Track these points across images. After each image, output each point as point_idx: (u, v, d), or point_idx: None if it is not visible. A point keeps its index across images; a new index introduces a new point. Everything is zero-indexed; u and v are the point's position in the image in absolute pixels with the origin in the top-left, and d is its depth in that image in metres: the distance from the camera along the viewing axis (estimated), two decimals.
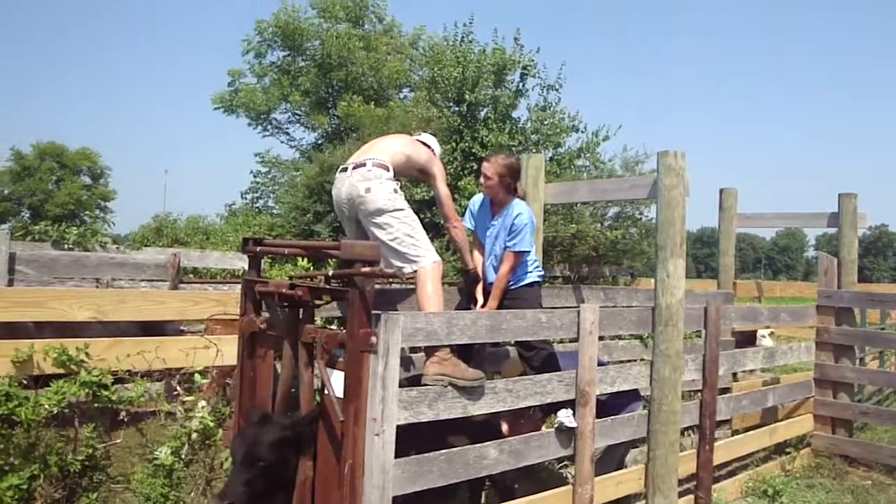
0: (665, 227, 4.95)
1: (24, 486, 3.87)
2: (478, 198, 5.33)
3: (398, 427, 3.52)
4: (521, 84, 15.26)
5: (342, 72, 22.75)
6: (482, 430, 4.46)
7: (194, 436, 4.50)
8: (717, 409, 5.53)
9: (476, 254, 5.24)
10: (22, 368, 4.08)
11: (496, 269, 5.00)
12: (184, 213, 21.51)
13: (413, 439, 3.77)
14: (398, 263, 4.34)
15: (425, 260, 4.32)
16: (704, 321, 5.47)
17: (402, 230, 4.32)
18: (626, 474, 5.11)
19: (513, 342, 5.19)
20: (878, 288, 17.26)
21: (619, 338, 6.57)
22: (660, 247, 4.99)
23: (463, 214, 5.36)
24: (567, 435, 4.51)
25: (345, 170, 4.51)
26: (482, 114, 14.78)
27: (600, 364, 4.73)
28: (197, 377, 4.69)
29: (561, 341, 5.89)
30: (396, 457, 3.51)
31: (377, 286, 4.04)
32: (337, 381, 3.49)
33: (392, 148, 4.61)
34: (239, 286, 4.45)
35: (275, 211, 21.30)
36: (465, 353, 4.55)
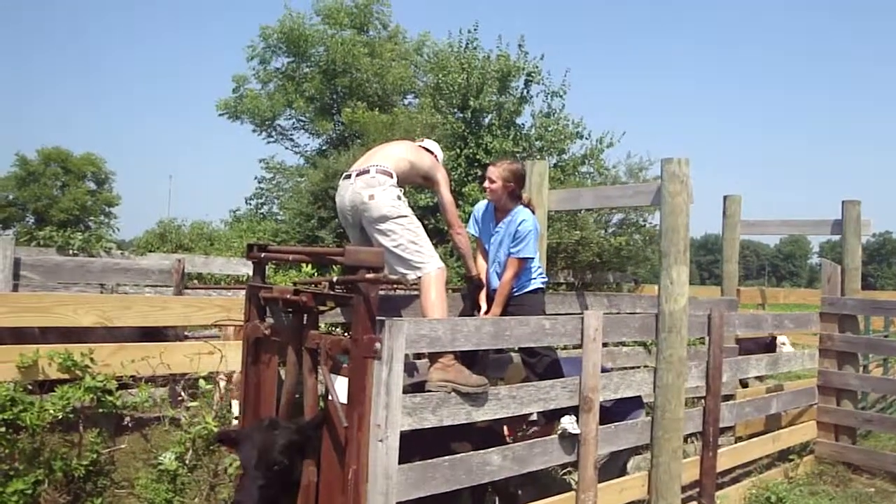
0: (669, 234, 4.96)
1: (29, 491, 3.88)
2: (482, 204, 5.33)
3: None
4: (525, 90, 15.26)
5: (347, 78, 22.79)
6: (481, 435, 4.47)
7: (198, 441, 4.51)
8: (720, 416, 5.53)
9: (480, 260, 5.24)
10: (27, 374, 4.09)
11: (500, 276, 5.00)
12: (188, 218, 21.53)
13: (416, 444, 3.77)
14: (402, 270, 4.34)
15: (429, 266, 4.33)
16: (708, 328, 5.47)
17: (406, 237, 4.33)
18: (630, 481, 5.11)
19: (516, 348, 5.19)
20: (881, 295, 17.19)
21: (623, 344, 6.57)
22: (663, 254, 4.99)
23: (467, 221, 5.37)
24: (570, 441, 4.51)
25: (348, 177, 4.52)
26: (486, 120, 14.79)
27: (604, 370, 4.73)
28: (201, 383, 4.70)
29: (564, 348, 5.89)
30: (400, 462, 3.52)
31: (381, 292, 4.05)
32: (341, 387, 3.50)
33: (395, 155, 4.62)
34: (243, 292, 4.46)
35: (279, 217, 21.33)
36: (469, 359, 4.56)
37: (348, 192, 4.45)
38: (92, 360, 4.22)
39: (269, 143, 26.34)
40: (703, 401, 5.56)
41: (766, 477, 6.34)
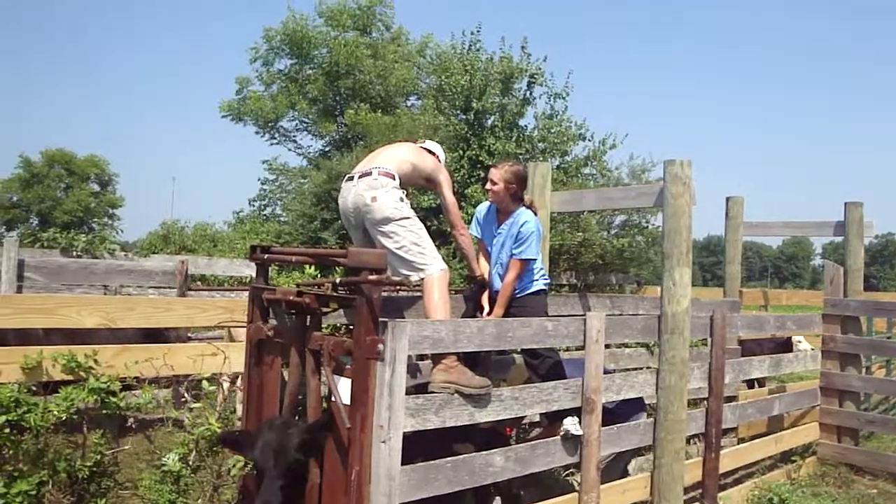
0: (671, 236, 4.97)
1: (33, 492, 3.89)
2: (484, 206, 5.34)
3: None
4: (528, 92, 15.30)
5: (349, 80, 22.84)
6: (482, 436, 4.48)
7: (202, 442, 4.52)
8: (722, 418, 5.53)
9: (482, 261, 5.25)
10: (31, 375, 4.10)
11: (502, 277, 5.01)
12: (191, 220, 21.65)
13: (418, 445, 3.78)
14: (405, 272, 4.35)
15: (432, 268, 4.34)
16: (710, 329, 5.48)
17: (409, 238, 4.34)
18: (632, 482, 5.11)
19: (519, 350, 5.20)
20: (884, 296, 17.18)
21: (626, 346, 6.57)
22: (666, 255, 5.00)
23: (470, 222, 5.38)
24: (573, 442, 4.52)
25: (351, 179, 4.54)
26: (489, 122, 14.82)
27: (606, 372, 4.74)
28: (205, 384, 4.71)
29: (567, 349, 5.90)
30: (403, 464, 3.53)
31: (384, 294, 4.06)
32: (344, 389, 3.51)
33: (398, 157, 4.63)
34: (247, 293, 4.47)
35: (282, 218, 21.40)
36: (471, 360, 4.57)
37: (351, 194, 4.46)
38: (96, 361, 4.23)
39: (272, 144, 26.45)
40: (705, 402, 5.57)
41: (768, 478, 6.33)
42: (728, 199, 8.56)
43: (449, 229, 5.08)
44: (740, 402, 6.37)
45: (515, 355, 5.54)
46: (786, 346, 9.21)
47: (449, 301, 4.42)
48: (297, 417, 3.94)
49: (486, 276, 5.19)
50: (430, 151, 4.99)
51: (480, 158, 13.91)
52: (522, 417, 5.34)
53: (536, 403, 4.31)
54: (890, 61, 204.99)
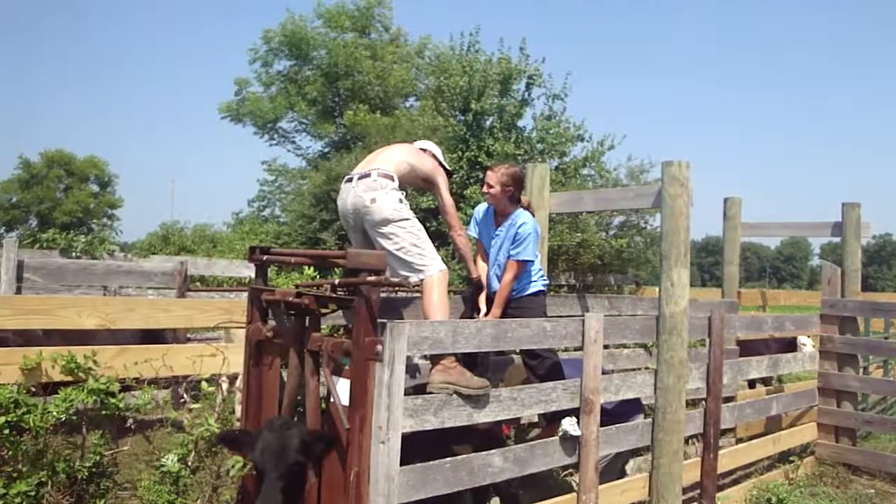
0: (669, 237, 4.98)
1: (33, 493, 3.90)
2: (482, 206, 5.35)
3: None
4: (526, 93, 15.32)
5: (348, 81, 22.84)
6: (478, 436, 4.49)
7: (201, 443, 4.53)
8: (721, 418, 5.54)
9: (480, 262, 5.26)
10: (30, 376, 4.10)
11: (500, 278, 5.02)
12: (191, 221, 21.69)
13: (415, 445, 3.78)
14: (404, 273, 4.36)
15: (431, 269, 4.35)
16: (709, 330, 5.49)
17: (408, 240, 4.35)
18: (631, 482, 5.12)
19: (518, 350, 5.21)
20: (882, 297, 17.22)
21: (624, 346, 6.59)
22: (664, 256, 5.01)
23: (468, 223, 5.39)
24: (571, 443, 4.53)
25: (349, 180, 4.54)
26: (488, 123, 14.84)
27: (604, 372, 4.75)
28: (204, 385, 4.72)
29: (566, 349, 5.91)
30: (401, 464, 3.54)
31: (383, 295, 4.07)
32: (343, 389, 3.52)
33: (396, 158, 4.64)
34: (246, 294, 4.48)
35: (281, 219, 21.41)
36: (470, 360, 4.58)
37: (350, 195, 4.47)
38: (95, 362, 4.23)
39: (271, 145, 26.46)
40: (703, 402, 5.58)
41: (766, 478, 6.34)
42: (726, 200, 8.56)
43: (447, 230, 5.08)
44: (738, 403, 6.38)
45: (514, 356, 5.55)
46: (791, 346, 9.23)
47: (448, 302, 4.43)
48: (295, 419, 3.95)
49: (484, 277, 5.20)
50: (427, 151, 5.01)
51: (479, 159, 13.93)
52: (520, 417, 5.35)
53: (535, 404, 4.32)
54: (887, 62, 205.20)
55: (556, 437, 4.53)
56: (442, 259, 4.56)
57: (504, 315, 4.89)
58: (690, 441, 6.05)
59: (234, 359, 4.72)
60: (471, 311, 5.17)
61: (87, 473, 4.18)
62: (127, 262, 8.69)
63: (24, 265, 6.95)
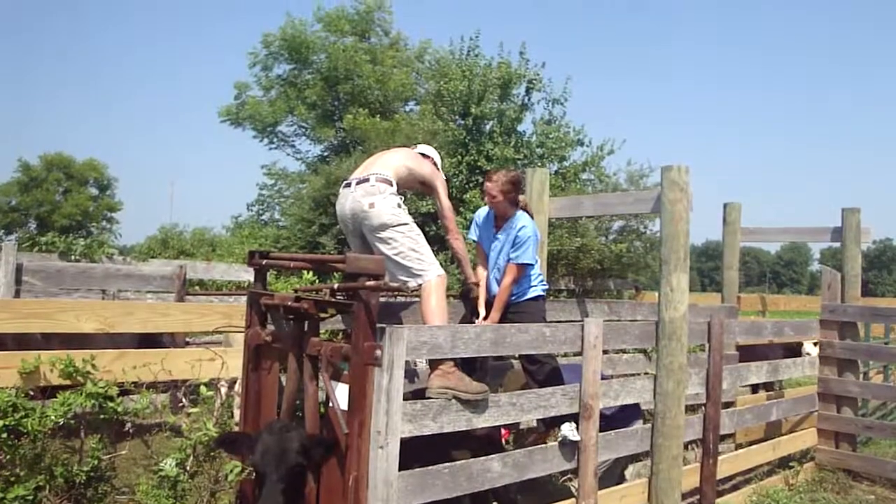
0: (669, 242, 4.97)
1: (31, 497, 3.89)
2: (483, 210, 5.35)
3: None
4: (526, 98, 15.32)
5: (348, 85, 22.81)
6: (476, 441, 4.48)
7: (199, 447, 4.52)
8: (720, 423, 5.54)
9: (480, 267, 5.25)
10: (29, 380, 4.10)
11: (499, 282, 5.02)
12: (190, 224, 21.65)
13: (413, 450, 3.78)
14: (403, 277, 4.36)
15: (430, 274, 4.34)
16: (708, 335, 5.48)
17: (407, 244, 4.35)
18: (630, 488, 5.11)
19: (517, 355, 5.21)
20: (881, 302, 17.23)
21: (623, 351, 6.58)
22: (663, 261, 5.01)
23: (468, 227, 5.39)
24: (570, 448, 4.52)
25: (348, 185, 4.54)
26: (488, 127, 14.84)
27: (604, 378, 4.74)
28: (202, 389, 4.71)
29: (565, 355, 5.90)
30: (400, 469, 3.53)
31: (382, 300, 4.06)
32: (342, 394, 3.51)
33: (395, 162, 4.64)
34: (245, 298, 4.48)
35: (281, 223, 21.38)
36: (468, 365, 4.57)
37: (348, 200, 4.47)
38: (93, 366, 4.23)
39: (270, 149, 26.39)
40: (703, 408, 5.57)
41: (766, 484, 6.34)
42: (726, 205, 8.55)
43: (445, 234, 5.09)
44: (738, 408, 6.38)
45: (513, 360, 5.54)
46: (796, 350, 9.23)
47: (447, 307, 4.43)
48: (294, 423, 3.94)
49: (483, 280, 5.19)
50: (426, 156, 5.01)
51: (479, 164, 13.92)
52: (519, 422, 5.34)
53: (534, 409, 4.31)
54: (887, 65, 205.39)
55: (556, 443, 4.53)
56: (441, 264, 4.56)
57: (504, 320, 4.88)
58: (690, 446, 6.05)
59: (232, 363, 4.72)
60: (470, 314, 5.16)
61: (85, 478, 4.17)
62: (126, 265, 8.67)
63: (22, 268, 6.95)
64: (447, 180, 5.02)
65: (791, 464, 6.85)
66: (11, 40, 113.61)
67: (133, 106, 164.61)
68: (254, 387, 4.23)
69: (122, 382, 4.41)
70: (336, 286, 3.77)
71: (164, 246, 17.91)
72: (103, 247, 9.11)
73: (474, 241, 5.31)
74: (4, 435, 3.83)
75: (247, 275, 9.08)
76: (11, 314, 4.20)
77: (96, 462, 4.25)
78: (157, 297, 8.10)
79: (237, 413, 4.72)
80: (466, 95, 14.57)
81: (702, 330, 5.47)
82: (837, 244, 8.16)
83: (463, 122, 14.86)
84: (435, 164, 5.04)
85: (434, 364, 4.04)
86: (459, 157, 14.21)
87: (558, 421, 4.57)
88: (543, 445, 4.58)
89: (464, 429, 3.96)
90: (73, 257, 8.60)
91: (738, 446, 6.87)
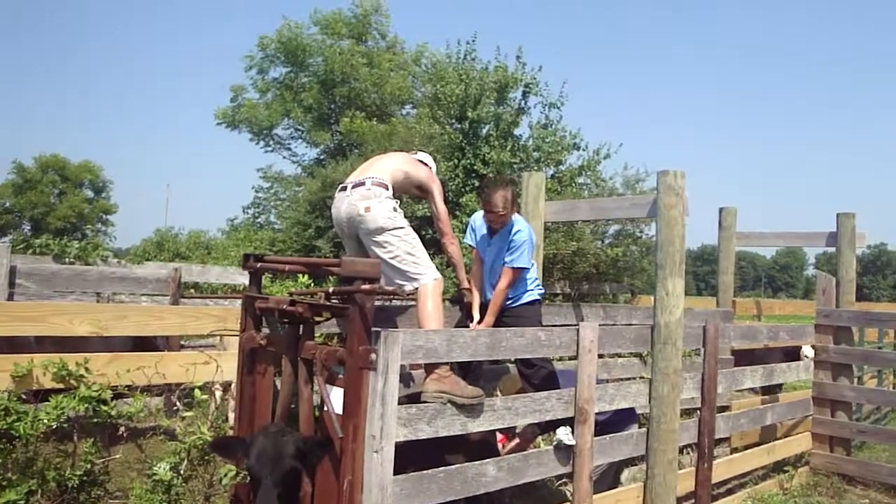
0: (664, 246, 4.98)
1: (23, 502, 3.86)
2: (479, 214, 5.33)
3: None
4: (523, 102, 15.29)
5: (345, 88, 22.84)
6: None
7: (193, 451, 4.50)
8: (715, 427, 5.54)
9: (475, 270, 5.24)
10: (21, 383, 4.09)
11: (495, 286, 5.01)
12: (185, 227, 21.64)
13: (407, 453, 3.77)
14: (399, 281, 4.35)
15: (426, 277, 4.34)
16: (703, 340, 5.48)
17: (403, 248, 4.35)
18: (625, 492, 5.11)
19: (513, 359, 5.20)
20: (876, 307, 17.25)
21: (619, 356, 6.58)
22: (659, 265, 5.01)
23: (464, 231, 5.38)
24: (566, 452, 4.51)
25: (344, 189, 4.54)
26: (484, 131, 14.80)
27: (599, 382, 4.74)
28: (197, 392, 4.70)
29: (560, 359, 5.90)
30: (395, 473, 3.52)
31: (377, 303, 4.05)
32: (336, 398, 3.50)
33: (391, 166, 4.64)
34: (240, 302, 4.47)
35: (276, 226, 21.35)
36: (464, 369, 4.56)
37: (344, 204, 4.47)
38: (87, 369, 4.22)
39: (266, 152, 26.41)
40: (698, 412, 5.57)
41: (761, 488, 6.34)
42: (721, 210, 8.57)
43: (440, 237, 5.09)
44: (733, 413, 6.38)
45: (509, 364, 5.53)
46: (796, 354, 9.24)
47: (442, 311, 4.42)
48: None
49: (478, 284, 5.18)
50: (422, 163, 5.01)
51: (475, 168, 13.90)
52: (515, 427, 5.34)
53: (529, 413, 4.31)
54: (885, 69, 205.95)
55: (551, 447, 4.52)
56: (437, 267, 4.56)
57: (500, 324, 4.87)
58: (685, 451, 6.04)
59: (227, 366, 4.71)
60: (465, 318, 5.16)
61: (77, 482, 4.15)
62: (121, 268, 8.64)
63: (16, 271, 6.91)
64: (443, 184, 5.01)
65: (786, 468, 6.85)
66: (7, 42, 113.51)
67: (129, 108, 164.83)
68: (248, 390, 4.21)
69: (116, 386, 4.39)
70: (331, 290, 3.76)
71: (159, 248, 17.92)
72: (98, 249, 9.09)
73: (470, 245, 5.30)
74: None
75: (242, 278, 9.05)
76: (5, 317, 4.19)
77: (89, 466, 4.24)
78: (152, 299, 8.08)
79: (232, 417, 4.71)
80: (463, 99, 14.55)
81: (697, 334, 5.47)
82: (832, 249, 8.18)
83: (459, 125, 14.82)
84: (430, 169, 5.04)
85: (429, 368, 4.04)
86: (456, 160, 14.19)
87: (553, 425, 4.57)
88: (536, 450, 4.57)
89: (459, 433, 3.95)
90: (67, 260, 8.57)
91: (734, 450, 6.88)
